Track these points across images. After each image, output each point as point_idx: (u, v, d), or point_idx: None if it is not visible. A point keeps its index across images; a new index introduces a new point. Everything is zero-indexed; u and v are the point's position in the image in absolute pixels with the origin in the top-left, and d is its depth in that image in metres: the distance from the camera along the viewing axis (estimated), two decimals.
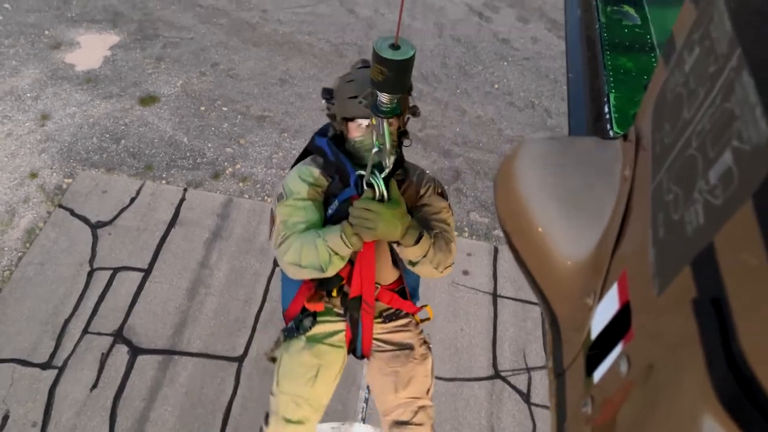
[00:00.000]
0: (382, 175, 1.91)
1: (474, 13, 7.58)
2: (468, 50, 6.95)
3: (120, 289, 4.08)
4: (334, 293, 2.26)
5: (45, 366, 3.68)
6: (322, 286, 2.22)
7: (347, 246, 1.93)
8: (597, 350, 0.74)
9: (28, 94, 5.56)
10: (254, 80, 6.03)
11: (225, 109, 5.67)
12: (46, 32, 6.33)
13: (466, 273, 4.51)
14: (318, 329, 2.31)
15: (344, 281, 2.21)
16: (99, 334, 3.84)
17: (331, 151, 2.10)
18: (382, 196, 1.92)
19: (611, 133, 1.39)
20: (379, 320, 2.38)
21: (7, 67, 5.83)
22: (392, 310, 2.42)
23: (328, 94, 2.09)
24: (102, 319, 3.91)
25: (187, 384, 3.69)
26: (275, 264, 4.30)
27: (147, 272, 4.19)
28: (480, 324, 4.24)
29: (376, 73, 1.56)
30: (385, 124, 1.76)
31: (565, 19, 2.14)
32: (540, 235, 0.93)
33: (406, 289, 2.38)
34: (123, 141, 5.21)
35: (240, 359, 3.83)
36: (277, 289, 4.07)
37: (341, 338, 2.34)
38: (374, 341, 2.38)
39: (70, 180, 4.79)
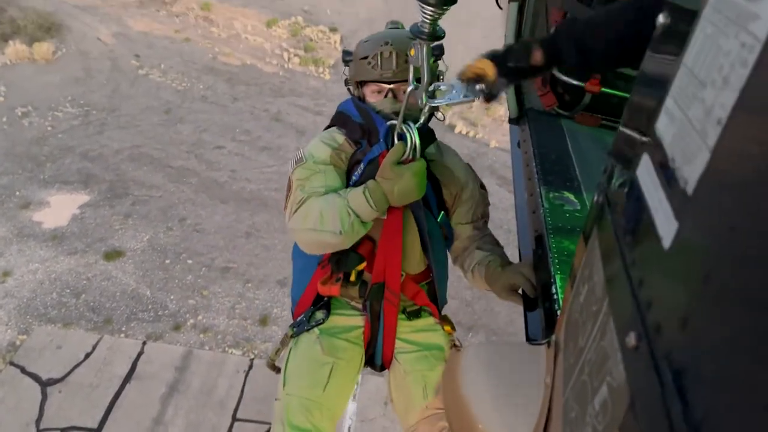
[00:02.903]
0: (417, 125, 1.70)
1: None
2: None
3: None
4: (353, 277, 1.93)
5: None
6: (339, 267, 1.92)
7: (371, 207, 1.67)
8: None
9: None
10: (220, 234, 6.21)
11: (190, 261, 5.76)
12: (17, 193, 6.52)
13: None
14: (333, 322, 1.97)
15: (365, 263, 1.91)
16: None
17: (356, 108, 1.89)
18: (415, 149, 1.69)
19: (559, 312, 1.45)
20: (402, 317, 2.03)
21: None
22: (416, 308, 2.06)
23: (347, 55, 1.93)
24: None
25: None
26: (234, 417, 4.14)
27: (97, 431, 3.96)
28: None
29: None
30: (425, 50, 1.50)
31: (515, 202, 2.33)
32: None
33: (435, 284, 2.05)
34: (83, 295, 5.18)
35: None
36: None
37: (359, 335, 1.99)
38: (396, 341, 2.01)
39: (24, 336, 4.67)
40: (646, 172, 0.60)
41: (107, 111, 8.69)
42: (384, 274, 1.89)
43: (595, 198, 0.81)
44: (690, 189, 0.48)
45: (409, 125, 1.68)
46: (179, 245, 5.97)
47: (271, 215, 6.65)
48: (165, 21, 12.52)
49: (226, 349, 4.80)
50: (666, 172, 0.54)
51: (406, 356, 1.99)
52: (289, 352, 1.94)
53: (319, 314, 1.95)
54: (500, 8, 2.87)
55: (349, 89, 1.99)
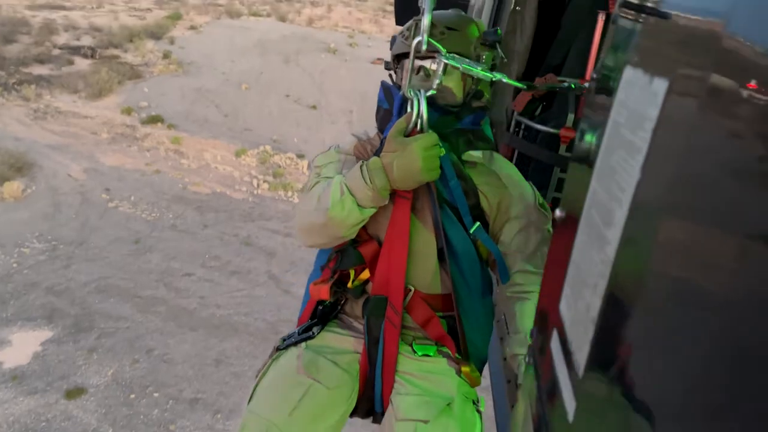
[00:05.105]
0: (428, 93, 1.48)
1: None
2: None
3: None
4: (350, 283, 1.61)
5: None
6: (335, 266, 1.62)
7: (366, 182, 1.43)
8: None
9: None
10: (189, 363, 6.05)
11: (156, 394, 5.55)
12: None
13: None
14: (323, 339, 1.63)
15: (366, 267, 1.59)
16: None
17: (383, 91, 1.69)
18: (422, 119, 1.48)
19: None
20: (407, 349, 1.60)
21: None
22: (428, 342, 1.63)
23: (395, 41, 1.76)
24: None
25: None
26: None
27: None
28: None
29: None
30: None
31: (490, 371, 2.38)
32: None
33: (458, 319, 1.59)
34: None
35: None
36: None
37: (352, 362, 1.61)
38: (396, 377, 1.58)
39: None
40: (555, 347, 0.65)
41: (75, 244, 8.69)
42: (388, 286, 1.56)
43: (526, 358, 0.86)
44: (580, 374, 0.53)
45: (417, 92, 1.47)
46: (145, 378, 5.78)
47: (241, 340, 6.54)
48: (136, 155, 12.91)
49: None
50: (566, 352, 0.59)
51: (401, 399, 1.54)
52: (269, 365, 1.62)
53: (315, 328, 1.64)
54: None
55: (390, 76, 1.79)
